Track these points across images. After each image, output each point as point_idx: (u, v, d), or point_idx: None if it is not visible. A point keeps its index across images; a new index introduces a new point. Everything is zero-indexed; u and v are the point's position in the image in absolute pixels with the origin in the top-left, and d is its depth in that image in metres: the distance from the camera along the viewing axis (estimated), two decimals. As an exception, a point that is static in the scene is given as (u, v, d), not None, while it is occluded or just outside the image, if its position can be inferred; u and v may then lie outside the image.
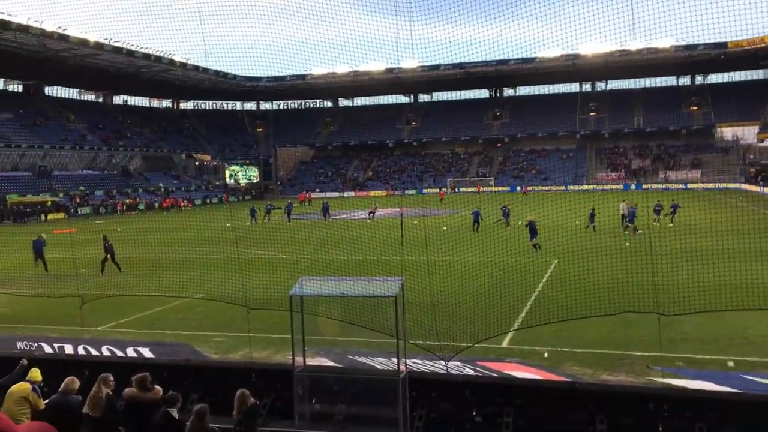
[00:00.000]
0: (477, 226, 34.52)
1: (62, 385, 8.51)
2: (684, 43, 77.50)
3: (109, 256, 26.34)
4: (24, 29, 65.24)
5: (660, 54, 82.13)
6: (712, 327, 14.76)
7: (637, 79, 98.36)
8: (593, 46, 77.37)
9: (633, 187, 79.27)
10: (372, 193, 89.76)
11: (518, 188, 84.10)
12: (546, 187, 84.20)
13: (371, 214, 46.09)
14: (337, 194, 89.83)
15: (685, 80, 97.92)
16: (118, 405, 8.62)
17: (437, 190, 79.76)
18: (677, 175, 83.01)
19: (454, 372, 11.44)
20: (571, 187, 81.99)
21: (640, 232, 31.84)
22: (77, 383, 8.62)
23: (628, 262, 17.71)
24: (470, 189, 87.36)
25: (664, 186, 76.86)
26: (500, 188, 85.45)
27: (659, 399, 9.29)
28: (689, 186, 75.66)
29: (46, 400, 8.62)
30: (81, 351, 14.79)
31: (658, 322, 11.56)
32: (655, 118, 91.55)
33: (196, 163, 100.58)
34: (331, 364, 12.69)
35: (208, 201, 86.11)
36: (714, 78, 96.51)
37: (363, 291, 10.14)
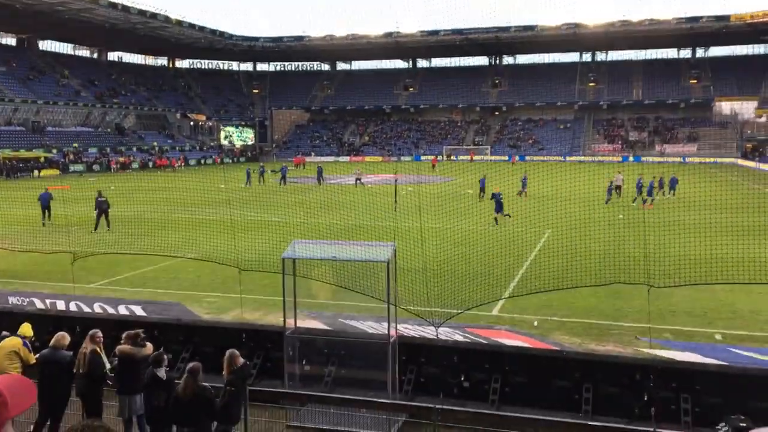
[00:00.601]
0: (483, 194, 34.27)
1: (53, 340, 8.53)
2: (686, 15, 76.91)
3: (98, 211, 26.40)
4: (17, -19, 64.06)
5: (661, 25, 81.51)
6: (701, 300, 14.88)
7: (638, 51, 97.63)
8: (595, 15, 76.68)
9: (631, 159, 79.13)
10: (367, 159, 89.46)
11: (516, 157, 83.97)
12: (542, 158, 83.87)
13: (358, 181, 45.94)
14: (332, 159, 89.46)
15: (685, 53, 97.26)
16: (111, 360, 8.68)
17: (438, 157, 79.68)
18: (674, 149, 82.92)
19: (444, 338, 11.53)
20: (570, 159, 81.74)
21: (634, 204, 31.94)
22: (68, 338, 8.65)
23: (620, 233, 17.77)
24: (466, 157, 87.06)
25: (663, 159, 76.74)
26: (496, 157, 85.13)
27: (645, 369, 9.41)
28: (687, 159, 75.52)
29: (37, 355, 8.65)
30: (73, 307, 14.83)
31: (647, 293, 11.64)
32: (654, 91, 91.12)
33: (191, 123, 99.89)
34: (321, 326, 12.76)
35: (202, 162, 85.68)
36: (715, 51, 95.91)
37: (355, 255, 10.16)
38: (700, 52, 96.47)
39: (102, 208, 26.66)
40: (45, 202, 28.47)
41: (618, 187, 35.95)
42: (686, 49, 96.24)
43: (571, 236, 19.92)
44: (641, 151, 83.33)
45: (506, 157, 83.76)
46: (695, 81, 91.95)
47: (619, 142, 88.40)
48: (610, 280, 13.25)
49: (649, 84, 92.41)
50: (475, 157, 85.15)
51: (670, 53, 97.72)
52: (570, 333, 13.01)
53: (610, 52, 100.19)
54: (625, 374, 9.41)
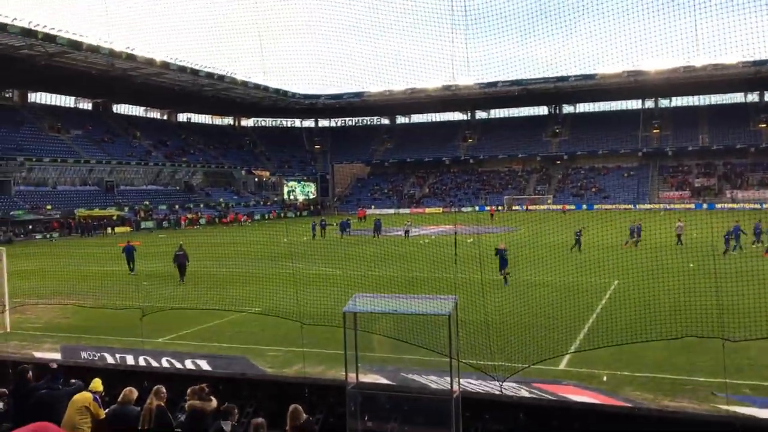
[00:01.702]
0: (579, 246, 33.64)
1: (120, 396, 8.72)
2: (752, 59, 75.02)
3: (177, 264, 27.61)
4: (94, 49, 68.01)
5: (726, 70, 79.74)
6: (782, 353, 14.11)
7: (702, 96, 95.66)
8: (656, 62, 75.79)
9: (705, 206, 76.63)
10: (427, 210, 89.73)
11: (583, 206, 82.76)
12: (610, 206, 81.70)
13: (407, 233, 46.25)
14: (393, 211, 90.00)
15: (753, 97, 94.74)
16: (176, 416, 8.80)
17: (498, 208, 79.62)
18: (745, 195, 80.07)
19: (509, 393, 11.23)
20: (640, 206, 79.86)
21: (754, 247, 30.92)
22: (135, 393, 8.82)
23: (691, 283, 17.12)
24: (529, 207, 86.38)
25: (739, 205, 73.78)
26: (556, 206, 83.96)
27: (724, 427, 8.92)
28: (765, 206, 72.52)
29: (106, 410, 8.84)
30: (141, 362, 15.13)
31: (722, 347, 11.12)
32: (721, 136, 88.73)
33: (256, 179, 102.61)
34: (383, 381, 12.64)
35: (266, 216, 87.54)
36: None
37: (416, 309, 10.10)
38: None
39: (179, 261, 27.84)
40: (129, 254, 30.50)
41: (678, 236, 35.06)
42: (753, 92, 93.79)
43: (640, 286, 19.33)
44: (711, 198, 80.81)
45: (574, 206, 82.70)
46: (765, 125, 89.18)
47: (687, 189, 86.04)
48: (682, 333, 12.74)
49: (715, 129, 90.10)
50: (531, 207, 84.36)
51: (737, 97, 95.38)
52: (642, 388, 12.50)
53: (673, 98, 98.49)
54: (702, 432, 8.94)
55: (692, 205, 77.34)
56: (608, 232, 29.39)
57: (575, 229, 34.67)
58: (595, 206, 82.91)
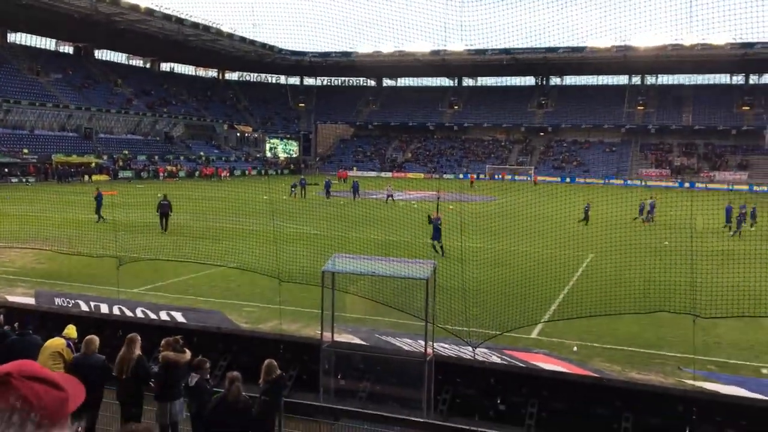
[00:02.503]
0: (587, 221, 32.77)
1: (83, 346, 8.63)
2: (740, 41, 75.14)
3: (160, 213, 27.73)
4: (78, -8, 66.31)
5: (714, 51, 79.83)
6: (749, 333, 14.45)
7: (689, 75, 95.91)
8: (646, 38, 75.62)
9: (687, 185, 77.19)
10: (409, 175, 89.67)
11: (567, 179, 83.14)
12: (599, 180, 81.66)
13: (390, 197, 45.91)
14: (374, 174, 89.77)
15: (738, 79, 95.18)
16: (150, 365, 8.82)
17: (479, 176, 79.89)
18: (723, 176, 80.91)
19: (481, 359, 11.40)
20: (618, 181, 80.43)
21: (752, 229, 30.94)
22: (97, 341, 8.76)
23: (666, 260, 17.39)
24: (509, 177, 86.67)
25: (726, 186, 74.09)
26: (543, 178, 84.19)
27: (688, 401, 9.16)
28: (756, 188, 73.09)
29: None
30: (116, 311, 15.09)
31: (692, 323, 11.34)
32: (704, 116, 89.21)
33: (238, 134, 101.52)
34: (358, 341, 12.74)
35: (246, 173, 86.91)
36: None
37: (395, 272, 10.16)
38: (753, 79, 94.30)
39: (163, 210, 27.89)
40: (98, 202, 30.71)
41: (642, 211, 35.28)
42: (739, 74, 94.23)
43: (614, 261, 19.58)
44: (690, 177, 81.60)
45: (558, 179, 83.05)
46: (748, 108, 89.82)
47: (667, 167, 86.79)
48: (654, 308, 12.96)
49: (699, 109, 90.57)
50: (506, 177, 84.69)
51: (722, 79, 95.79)
52: (611, 360, 12.75)
53: (660, 76, 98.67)
54: (667, 405, 9.17)
55: (676, 184, 78.01)
56: (613, 208, 29.43)
57: (584, 204, 34.17)
58: (577, 179, 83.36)
